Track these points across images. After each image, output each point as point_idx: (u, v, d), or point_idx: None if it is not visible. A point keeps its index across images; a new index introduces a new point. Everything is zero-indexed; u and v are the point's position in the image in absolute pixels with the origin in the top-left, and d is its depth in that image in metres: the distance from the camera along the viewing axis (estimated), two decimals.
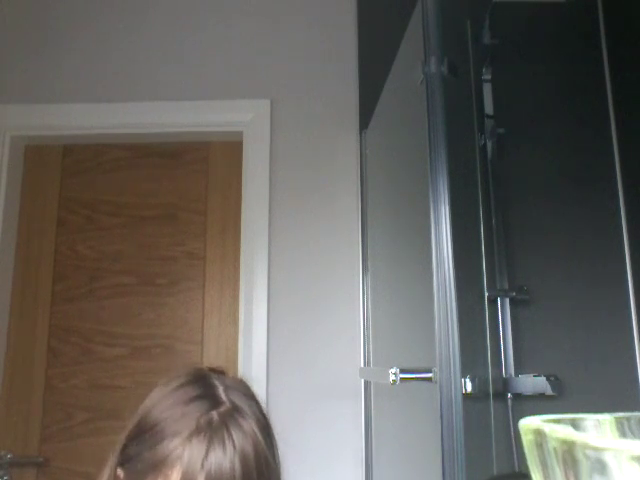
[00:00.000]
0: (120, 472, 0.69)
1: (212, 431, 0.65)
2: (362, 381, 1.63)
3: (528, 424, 0.26)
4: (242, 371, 1.67)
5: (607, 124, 1.58)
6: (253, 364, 1.65)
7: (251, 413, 0.71)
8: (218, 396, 0.70)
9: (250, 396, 0.74)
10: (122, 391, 1.74)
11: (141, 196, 1.87)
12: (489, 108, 1.58)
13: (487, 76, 1.60)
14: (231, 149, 1.88)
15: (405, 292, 1.26)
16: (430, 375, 0.89)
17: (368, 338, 1.63)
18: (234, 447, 0.65)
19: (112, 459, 0.70)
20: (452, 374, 0.85)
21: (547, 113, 1.61)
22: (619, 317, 1.48)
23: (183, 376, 0.73)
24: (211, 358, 1.75)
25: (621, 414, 0.30)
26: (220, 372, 0.76)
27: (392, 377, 0.94)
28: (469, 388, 0.89)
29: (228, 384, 0.72)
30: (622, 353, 1.45)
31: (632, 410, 0.31)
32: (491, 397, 1.39)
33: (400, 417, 1.30)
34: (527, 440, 0.26)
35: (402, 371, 0.95)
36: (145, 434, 0.67)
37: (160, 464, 0.64)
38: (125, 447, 0.69)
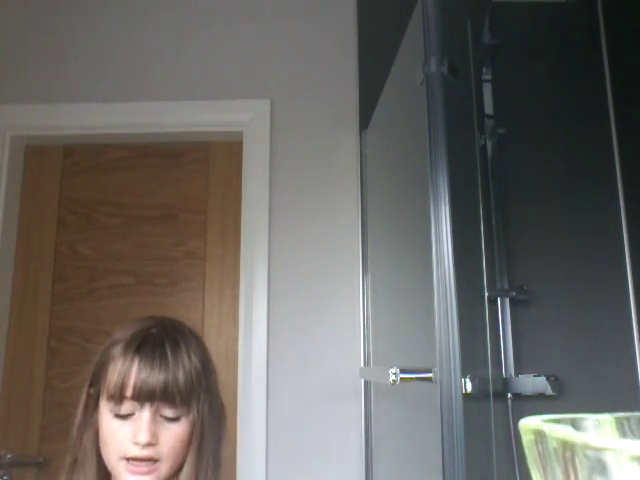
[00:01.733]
0: (91, 390, 0.82)
1: (147, 337, 0.79)
2: (362, 381, 1.63)
3: (528, 424, 0.26)
4: (242, 371, 1.67)
5: (607, 124, 1.58)
6: (253, 364, 1.65)
7: (191, 339, 0.83)
8: (163, 322, 0.84)
9: (194, 333, 0.85)
10: None
11: (141, 196, 1.87)
12: (489, 108, 1.58)
13: (487, 76, 1.60)
14: (231, 149, 1.88)
15: (405, 292, 1.26)
16: (430, 375, 0.89)
17: (368, 338, 1.63)
18: (164, 353, 0.77)
19: (86, 383, 0.83)
20: (452, 374, 0.85)
21: (547, 113, 1.61)
22: (619, 317, 1.48)
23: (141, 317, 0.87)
24: None
25: (621, 414, 0.30)
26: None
27: (392, 377, 0.94)
28: (469, 388, 0.89)
29: (177, 320, 0.87)
30: (622, 353, 1.45)
31: (632, 410, 0.31)
32: (491, 397, 1.39)
33: (400, 417, 1.30)
34: (527, 440, 0.26)
35: (402, 371, 0.95)
36: (103, 352, 0.81)
37: (106, 364, 0.79)
38: (93, 369, 0.82)
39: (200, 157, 1.89)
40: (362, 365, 1.63)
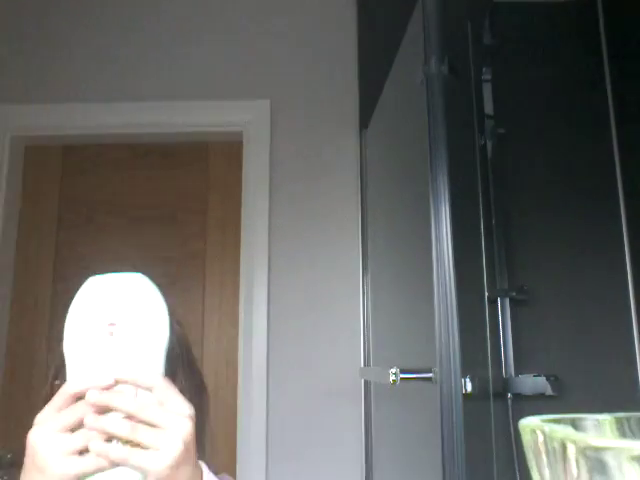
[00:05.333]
0: (57, 382, 0.76)
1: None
2: (362, 381, 1.63)
3: (528, 424, 0.26)
4: (242, 371, 1.67)
5: (607, 123, 1.58)
6: (253, 364, 1.65)
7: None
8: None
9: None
10: None
11: (141, 196, 1.87)
12: (489, 108, 1.58)
13: (487, 76, 1.59)
14: (231, 149, 1.88)
15: (405, 292, 1.26)
16: (430, 375, 0.89)
17: (368, 338, 1.63)
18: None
19: (49, 375, 0.78)
20: (452, 374, 0.85)
21: (547, 113, 1.61)
22: (619, 317, 1.48)
23: None
24: (211, 358, 1.75)
25: (621, 414, 0.30)
26: None
27: (392, 377, 0.94)
28: (469, 388, 0.89)
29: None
30: (622, 353, 1.45)
31: (632, 410, 0.31)
32: (491, 397, 1.39)
33: (400, 417, 1.30)
34: (527, 440, 0.26)
35: (402, 371, 0.95)
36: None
37: None
38: (56, 362, 0.76)
39: (200, 157, 1.89)
40: (362, 365, 1.63)
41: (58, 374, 0.77)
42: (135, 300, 0.61)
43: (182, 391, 0.73)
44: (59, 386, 0.74)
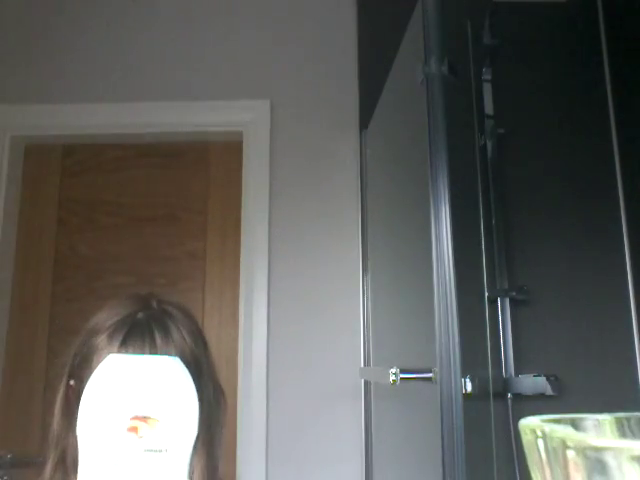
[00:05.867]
0: (72, 382, 0.76)
1: (133, 325, 0.71)
2: (362, 381, 1.63)
3: (528, 424, 0.26)
4: (242, 372, 1.67)
5: (607, 123, 1.58)
6: (253, 364, 1.65)
7: (181, 318, 0.75)
8: (149, 304, 0.75)
9: (184, 310, 0.78)
10: None
11: (141, 196, 1.87)
12: (489, 108, 1.58)
13: (487, 76, 1.60)
14: (231, 149, 1.88)
15: (405, 292, 1.26)
16: (430, 375, 0.89)
17: (368, 338, 1.63)
18: (154, 342, 0.70)
19: (63, 376, 0.77)
20: (452, 374, 0.85)
21: (547, 113, 1.61)
22: (619, 317, 1.48)
23: (122, 296, 0.79)
24: None
25: (621, 414, 0.30)
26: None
27: (392, 377, 0.94)
28: (469, 388, 0.89)
29: (163, 299, 0.78)
30: (622, 353, 1.45)
31: (632, 410, 0.31)
32: (491, 397, 1.39)
33: (400, 417, 1.30)
34: (527, 440, 0.26)
35: (402, 371, 0.95)
36: (84, 343, 0.74)
37: (89, 357, 0.71)
38: (73, 360, 0.76)
39: (200, 157, 1.89)
40: (362, 365, 1.63)
41: (74, 376, 0.75)
42: (168, 391, 0.49)
43: (204, 404, 0.71)
44: (73, 387, 0.75)
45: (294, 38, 1.87)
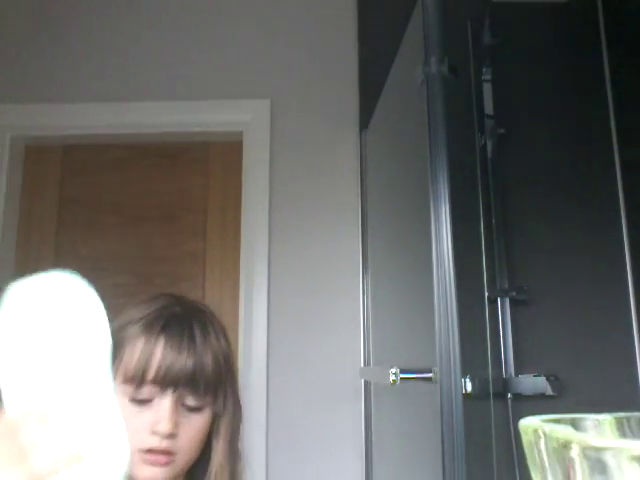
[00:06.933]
0: None
1: (171, 316, 0.70)
2: (362, 381, 1.63)
3: (528, 424, 0.26)
4: (242, 372, 1.67)
5: (607, 123, 1.58)
6: (253, 364, 1.65)
7: (215, 321, 0.75)
8: (183, 301, 0.75)
9: (210, 311, 0.77)
10: None
11: (141, 196, 1.87)
12: (489, 108, 1.58)
13: (487, 76, 1.59)
14: (231, 149, 1.88)
15: (405, 292, 1.26)
16: (430, 375, 0.89)
17: (368, 338, 1.63)
18: (193, 335, 0.69)
19: None
20: (452, 374, 0.85)
21: (547, 113, 1.61)
22: (619, 317, 1.48)
23: (148, 295, 0.78)
24: None
25: (621, 414, 0.30)
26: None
27: (392, 377, 0.94)
28: (469, 388, 0.89)
29: (195, 300, 0.78)
30: (622, 353, 1.45)
31: (632, 410, 0.31)
32: (491, 397, 1.39)
33: (400, 417, 1.30)
34: (527, 440, 0.26)
35: (402, 371, 0.95)
36: (116, 332, 0.69)
37: (122, 344, 0.69)
38: None
39: (200, 157, 1.89)
40: (362, 365, 1.63)
41: None
42: (69, 305, 0.49)
43: (227, 409, 0.72)
44: None
45: (294, 38, 1.87)
